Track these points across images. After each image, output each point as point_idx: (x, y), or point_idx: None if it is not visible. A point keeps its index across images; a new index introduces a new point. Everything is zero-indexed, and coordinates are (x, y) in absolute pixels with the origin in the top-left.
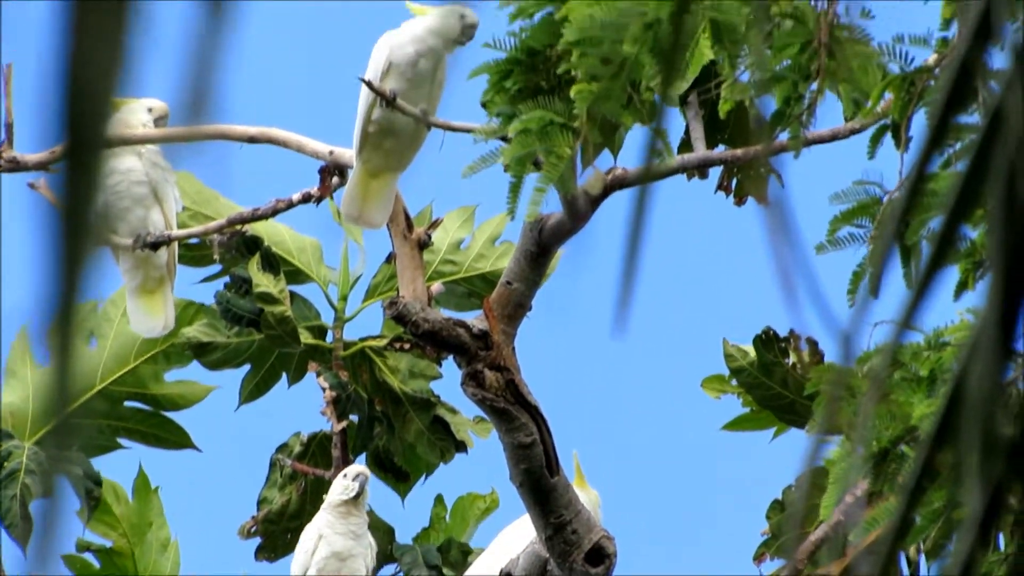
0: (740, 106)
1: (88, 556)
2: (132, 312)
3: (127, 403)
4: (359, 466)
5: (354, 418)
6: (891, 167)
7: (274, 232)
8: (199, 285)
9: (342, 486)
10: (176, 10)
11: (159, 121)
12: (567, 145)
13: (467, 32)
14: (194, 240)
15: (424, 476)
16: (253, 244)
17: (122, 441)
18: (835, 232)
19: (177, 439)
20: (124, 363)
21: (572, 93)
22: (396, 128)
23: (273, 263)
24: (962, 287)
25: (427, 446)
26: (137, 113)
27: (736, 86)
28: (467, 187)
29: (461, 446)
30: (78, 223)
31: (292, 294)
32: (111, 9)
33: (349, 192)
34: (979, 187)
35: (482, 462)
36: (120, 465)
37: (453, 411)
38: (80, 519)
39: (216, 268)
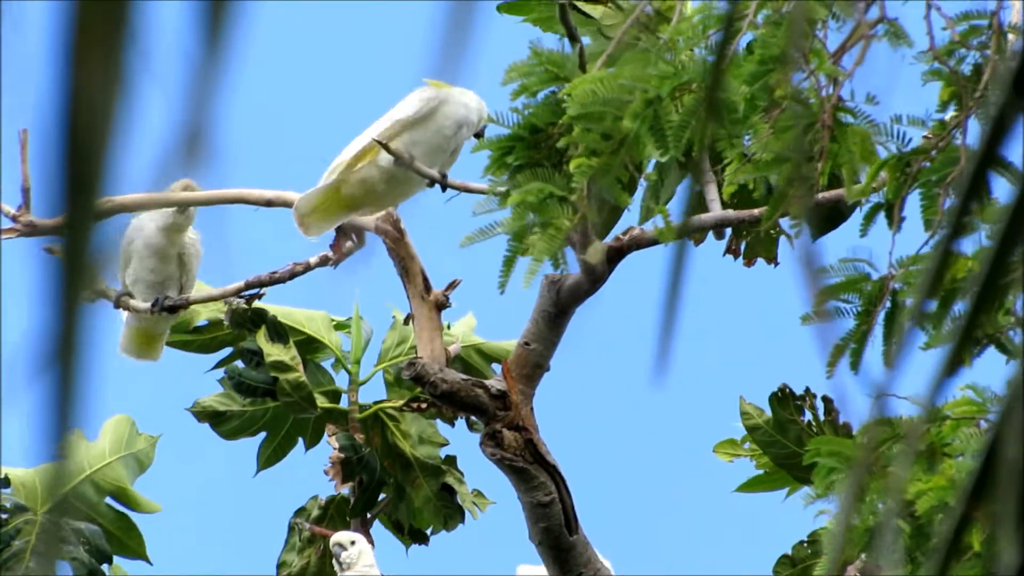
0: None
1: None
2: (127, 344)
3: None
4: (346, 534)
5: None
6: (882, 245)
7: (280, 308)
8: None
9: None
10: (173, 49)
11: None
12: (565, 217)
13: (482, 126)
14: (202, 322)
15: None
16: (259, 317)
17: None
18: (821, 304)
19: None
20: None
21: (571, 167)
22: (399, 178)
23: (281, 332)
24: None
25: (433, 512)
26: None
27: (740, 169)
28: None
29: (463, 515)
30: (75, 273)
31: (304, 360)
32: (110, 56)
33: (311, 195)
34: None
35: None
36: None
37: (461, 480)
38: None
39: (227, 352)
